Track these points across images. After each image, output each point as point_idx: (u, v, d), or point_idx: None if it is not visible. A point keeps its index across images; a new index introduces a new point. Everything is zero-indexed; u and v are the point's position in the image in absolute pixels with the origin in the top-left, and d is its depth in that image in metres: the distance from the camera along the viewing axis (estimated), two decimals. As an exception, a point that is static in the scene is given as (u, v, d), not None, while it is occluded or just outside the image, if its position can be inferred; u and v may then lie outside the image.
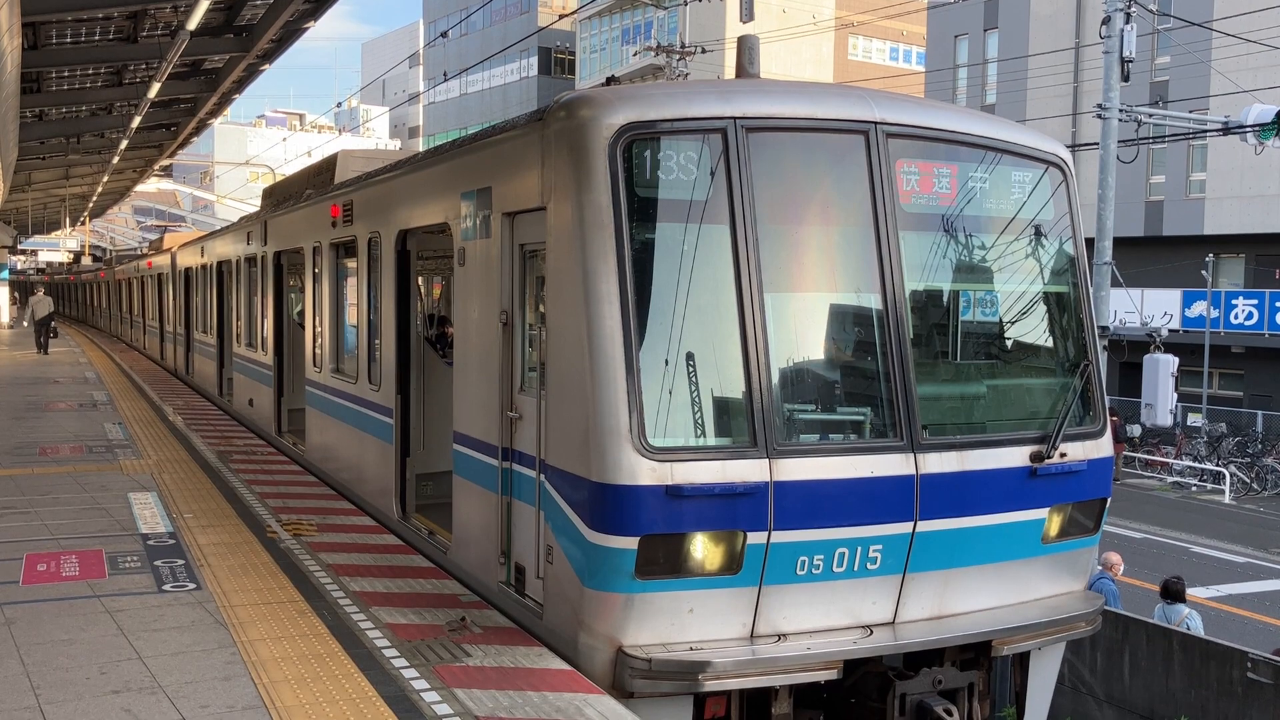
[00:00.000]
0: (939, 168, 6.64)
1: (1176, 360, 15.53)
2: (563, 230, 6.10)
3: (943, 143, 6.68)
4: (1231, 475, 27.85)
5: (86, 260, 56.33)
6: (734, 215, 6.01)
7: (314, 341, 12.19)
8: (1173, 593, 11.99)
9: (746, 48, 7.16)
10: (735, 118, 6.08)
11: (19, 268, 63.26)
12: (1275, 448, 28.89)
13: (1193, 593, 16.69)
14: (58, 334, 35.92)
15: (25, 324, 36.16)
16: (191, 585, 7.45)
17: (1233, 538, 22.60)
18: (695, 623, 5.91)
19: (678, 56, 33.62)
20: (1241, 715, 10.10)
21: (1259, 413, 31.11)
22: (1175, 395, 15.75)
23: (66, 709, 5.32)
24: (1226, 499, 27.28)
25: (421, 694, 5.58)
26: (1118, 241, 18.66)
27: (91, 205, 53.57)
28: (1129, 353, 16.16)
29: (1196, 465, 29.22)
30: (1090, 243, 12.27)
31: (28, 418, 16.27)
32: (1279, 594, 18.36)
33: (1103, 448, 7.03)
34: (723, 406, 6.01)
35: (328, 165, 12.85)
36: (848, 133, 6.35)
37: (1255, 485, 28.07)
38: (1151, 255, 34.58)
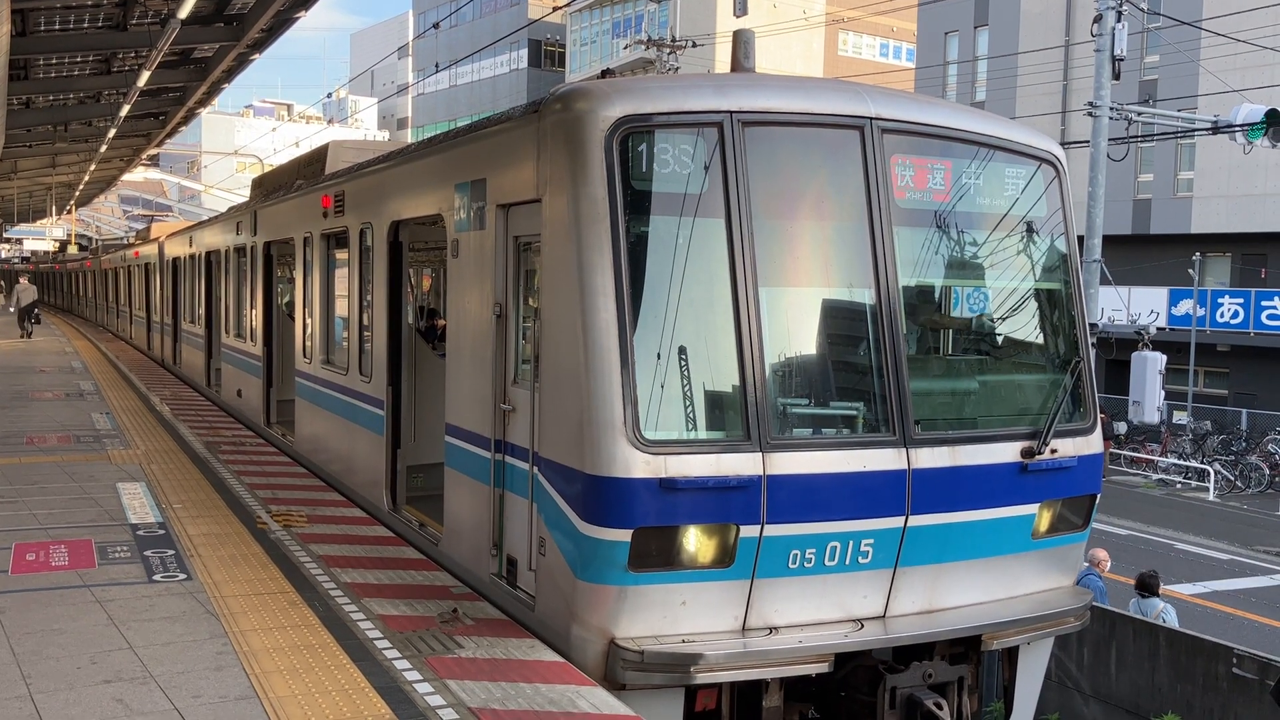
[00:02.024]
0: (933, 163, 6.66)
1: (1164, 358, 15.63)
2: (558, 222, 6.10)
3: (937, 139, 6.70)
4: (1216, 473, 28.01)
5: (72, 249, 56.05)
6: (729, 209, 6.01)
7: (304, 332, 12.16)
8: (1147, 587, 12.06)
9: (742, 42, 7.16)
10: (731, 112, 6.09)
11: (3, 256, 62.93)
12: (1259, 446, 29.06)
13: (1177, 589, 16.83)
14: (40, 320, 36.72)
15: (11, 310, 37.04)
16: (182, 575, 7.44)
17: (1217, 535, 22.74)
18: (687, 615, 5.93)
19: (668, 50, 33.56)
20: (1226, 710, 10.19)
21: (1243, 411, 31.28)
22: (1162, 393, 15.85)
23: (58, 699, 5.31)
24: (1211, 496, 27.45)
25: (414, 685, 5.58)
26: (1106, 239, 18.75)
27: (78, 194, 53.25)
28: (1116, 350, 16.25)
29: (1181, 463, 29.39)
30: (1079, 240, 12.33)
31: (13, 407, 16.18)
32: (1262, 590, 18.49)
33: (1093, 444, 7.06)
34: (716, 400, 6.03)
35: (318, 156, 12.81)
36: (843, 128, 6.36)
37: (1239, 483, 28.24)
38: (1139, 253, 34.73)
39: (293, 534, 8.69)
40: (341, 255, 10.89)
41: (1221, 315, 32.58)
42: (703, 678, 5.78)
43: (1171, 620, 11.60)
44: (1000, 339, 7.28)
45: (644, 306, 5.90)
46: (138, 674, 5.65)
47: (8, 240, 55.08)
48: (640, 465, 5.68)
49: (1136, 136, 20.57)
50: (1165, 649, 10.85)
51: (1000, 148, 6.95)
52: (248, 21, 18.83)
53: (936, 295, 6.88)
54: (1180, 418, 31.74)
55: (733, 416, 5.96)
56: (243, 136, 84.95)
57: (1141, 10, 18.87)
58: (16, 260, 71.25)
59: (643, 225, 5.99)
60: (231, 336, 16.38)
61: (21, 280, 38.73)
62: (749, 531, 5.87)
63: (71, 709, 5.20)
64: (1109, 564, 13.01)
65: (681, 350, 5.91)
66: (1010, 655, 7.13)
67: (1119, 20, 17.35)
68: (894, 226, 6.40)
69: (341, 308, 10.99)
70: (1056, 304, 7.26)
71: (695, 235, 6.01)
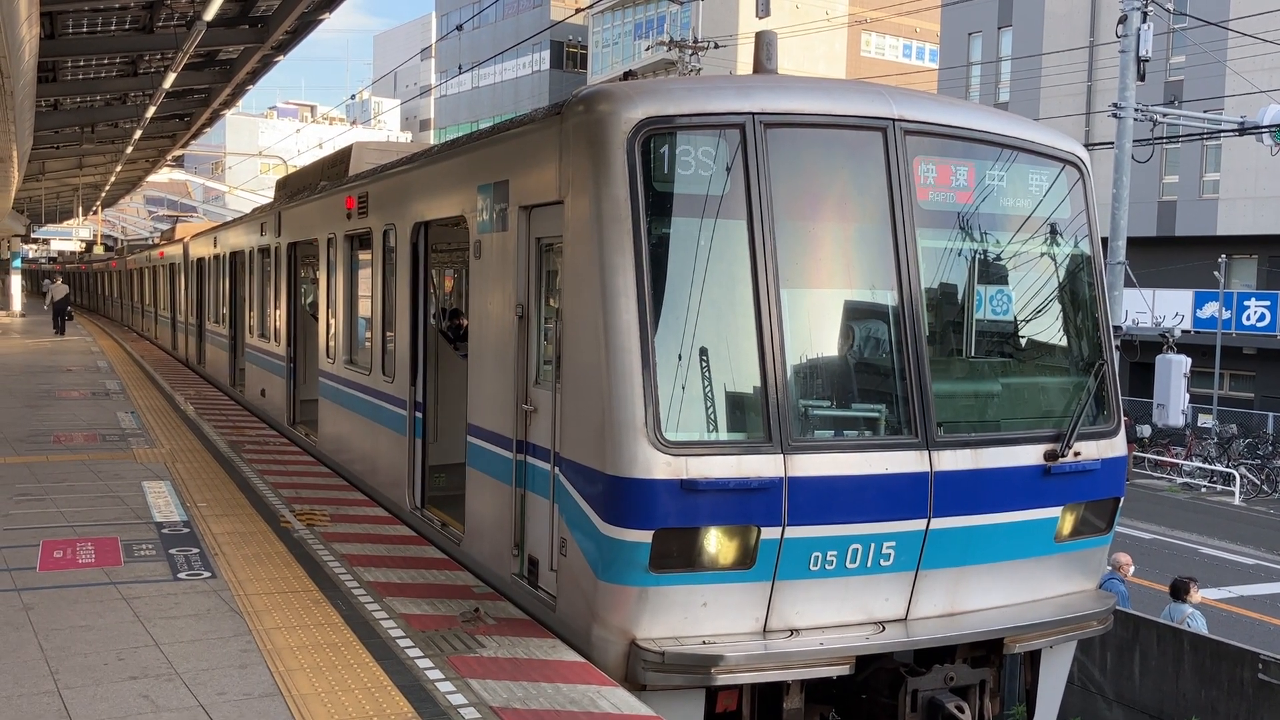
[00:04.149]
0: (956, 165, 6.64)
1: (1189, 361, 15.50)
2: (580, 224, 6.12)
3: (960, 140, 6.68)
4: (1242, 477, 27.78)
5: (98, 250, 56.59)
6: (751, 210, 6.02)
7: (327, 333, 12.23)
8: (1176, 592, 11.97)
9: (764, 43, 7.16)
10: (754, 113, 6.09)
11: (31, 256, 63.60)
12: (1286, 450, 28.81)
13: (1202, 594, 16.65)
14: (72, 317, 38.51)
15: (45, 308, 39.30)
16: (206, 574, 7.50)
17: (1242, 539, 22.55)
18: (708, 616, 5.93)
19: (690, 51, 33.55)
20: (1252, 716, 10.10)
21: (1270, 414, 31.00)
22: (1187, 396, 15.72)
23: (85, 694, 5.37)
24: (1236, 500, 27.22)
25: (436, 684, 5.61)
26: (1130, 241, 18.62)
27: (104, 195, 53.73)
28: (1141, 353, 16.12)
29: (1206, 466, 29.15)
30: (1104, 242, 12.25)
31: (41, 406, 16.35)
32: (1289, 596, 18.32)
33: (1116, 447, 7.03)
34: (738, 401, 6.03)
35: (342, 157, 12.89)
36: (866, 129, 6.35)
37: (1265, 487, 27.99)
38: (1164, 255, 34.48)
39: (316, 533, 8.75)
40: (365, 256, 10.96)
41: (1248, 318, 32.29)
42: (723, 679, 5.78)
43: (1198, 627, 11.49)
44: (1023, 341, 7.25)
45: (665, 307, 5.91)
46: (163, 671, 5.70)
47: (35, 240, 55.64)
48: (661, 466, 5.70)
49: (1162, 138, 20.42)
50: (1190, 654, 10.77)
51: (1024, 149, 6.92)
52: (272, 24, 18.98)
53: (959, 297, 6.86)
54: (1205, 421, 31.49)
55: (754, 418, 5.96)
56: (267, 138, 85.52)
57: (1167, 10, 18.73)
58: (44, 260, 71.96)
59: (664, 226, 6.00)
60: (255, 336, 16.50)
61: (56, 281, 41.00)
62: (770, 533, 5.87)
63: (98, 704, 5.26)
64: (1132, 568, 12.91)
65: (703, 351, 5.92)
66: (1032, 659, 7.09)
67: (1144, 21, 17.24)
68: (916, 228, 6.39)
69: (364, 308, 11.05)
70: (1080, 306, 7.23)
71: (717, 236, 6.01)
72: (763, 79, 6.68)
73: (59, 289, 37.10)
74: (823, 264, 6.47)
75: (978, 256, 6.82)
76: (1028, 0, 39.35)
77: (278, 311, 14.80)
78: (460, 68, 64.23)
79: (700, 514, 5.79)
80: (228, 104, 28.45)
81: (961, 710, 6.24)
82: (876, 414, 6.32)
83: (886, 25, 56.90)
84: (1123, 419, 7.21)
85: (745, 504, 5.82)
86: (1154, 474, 30.01)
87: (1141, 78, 17.42)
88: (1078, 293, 7.21)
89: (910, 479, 6.15)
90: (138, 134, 27.99)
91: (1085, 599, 7.05)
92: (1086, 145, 8.41)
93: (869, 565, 6.13)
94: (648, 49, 50.31)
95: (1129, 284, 16.97)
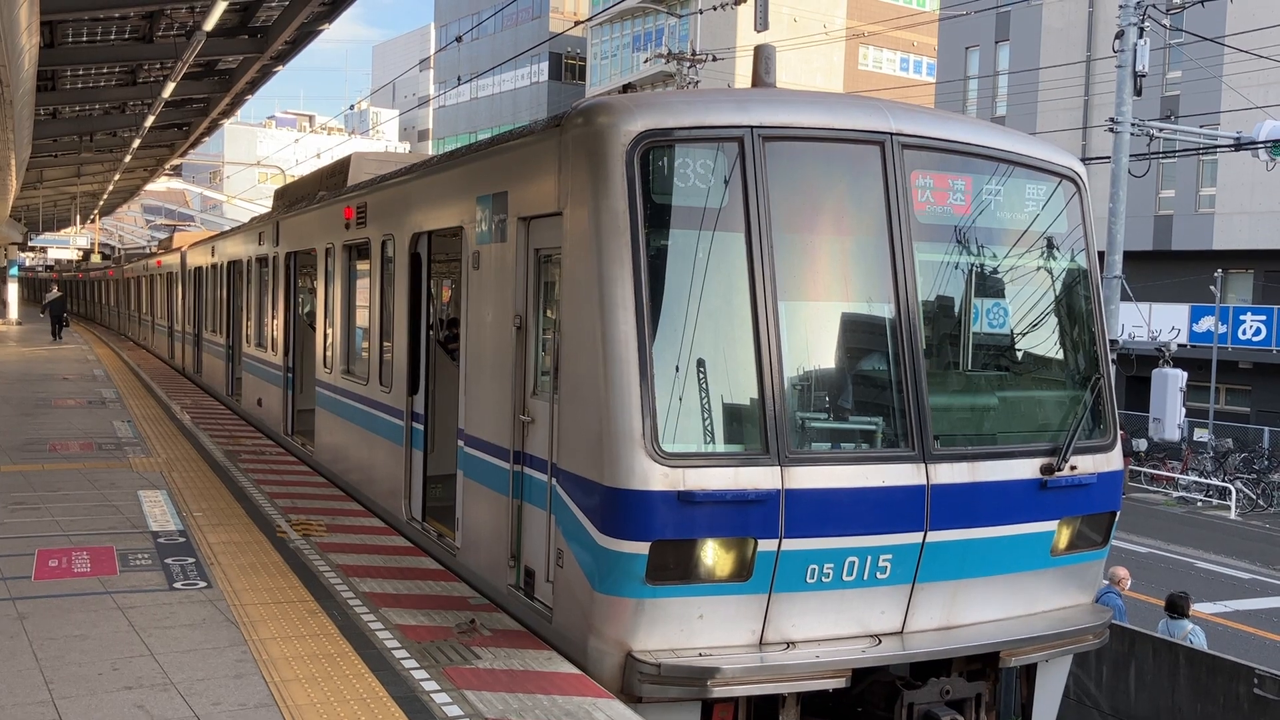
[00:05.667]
0: (954, 179, 6.67)
1: (1185, 375, 15.54)
2: (579, 235, 6.14)
3: (958, 154, 6.71)
4: (1237, 491, 27.80)
5: (96, 258, 56.60)
6: (749, 223, 6.04)
7: (325, 342, 12.23)
8: (1176, 608, 11.96)
9: (763, 57, 7.19)
10: (752, 126, 6.11)
11: (27, 264, 63.61)
12: (1282, 464, 28.83)
13: (1198, 608, 16.66)
14: (68, 323, 39.30)
15: (41, 315, 40.51)
16: (202, 583, 7.48)
17: (1238, 553, 22.56)
18: (705, 629, 5.93)
19: (688, 64, 33.63)
20: (1247, 731, 10.08)
21: (1266, 429, 31.04)
22: (1183, 410, 15.76)
23: (80, 704, 5.36)
24: (1232, 515, 27.24)
25: (432, 695, 5.60)
26: (1127, 255, 18.69)
27: (102, 203, 53.73)
28: (1137, 367, 16.17)
29: (1202, 480, 29.17)
30: (1100, 256, 12.29)
31: (37, 414, 16.33)
32: (1284, 611, 18.32)
33: (1113, 461, 7.04)
34: (735, 413, 6.04)
35: (341, 167, 12.91)
36: (864, 143, 6.38)
37: (1261, 501, 28.02)
38: (1160, 269, 34.56)
39: (312, 543, 8.74)
40: (363, 266, 10.97)
41: (1243, 332, 32.37)
42: (719, 691, 5.78)
43: (1199, 643, 11.47)
44: (1020, 355, 7.27)
45: (663, 319, 5.93)
46: (159, 681, 5.69)
47: (33, 249, 55.64)
48: (658, 478, 5.70)
49: (1158, 152, 20.50)
50: (1185, 668, 10.76)
51: (1021, 163, 6.95)
52: (272, 34, 19.01)
53: (956, 310, 6.88)
54: (1201, 435, 31.53)
55: (751, 430, 5.97)
56: (265, 147, 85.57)
57: (1164, 26, 18.82)
58: (41, 269, 71.89)
59: (663, 238, 6.02)
60: (253, 346, 16.49)
61: (53, 289, 42.59)
62: (767, 545, 5.87)
63: (93, 714, 5.24)
64: (1129, 582, 12.92)
65: (700, 363, 5.93)
66: (1028, 672, 7.10)
67: (1141, 36, 17.33)
68: (914, 241, 6.41)
69: (362, 318, 11.06)
70: (1077, 320, 7.25)
71: (715, 249, 6.03)
72: (761, 92, 6.71)
73: (53, 293, 38.38)
74: (820, 277, 6.49)
75: (974, 270, 6.85)
76: (1025, 15, 39.51)
77: (275, 321, 14.79)
78: (459, 79, 64.40)
79: (697, 526, 5.79)
80: (226, 113, 28.44)
81: (957, 724, 6.24)
82: (873, 427, 6.33)
83: (884, 39, 57.13)
84: (1119, 433, 7.22)
85: (742, 516, 5.82)
86: (1150, 488, 30.02)
87: (1138, 93, 17.51)
88: (1074, 306, 7.23)
89: (907, 492, 6.16)
90: (136, 143, 28.03)
91: (1081, 613, 7.05)
92: (1083, 159, 8.45)
93: (865, 578, 6.13)
94: (646, 61, 50.42)
95: (1125, 298, 17.03)
